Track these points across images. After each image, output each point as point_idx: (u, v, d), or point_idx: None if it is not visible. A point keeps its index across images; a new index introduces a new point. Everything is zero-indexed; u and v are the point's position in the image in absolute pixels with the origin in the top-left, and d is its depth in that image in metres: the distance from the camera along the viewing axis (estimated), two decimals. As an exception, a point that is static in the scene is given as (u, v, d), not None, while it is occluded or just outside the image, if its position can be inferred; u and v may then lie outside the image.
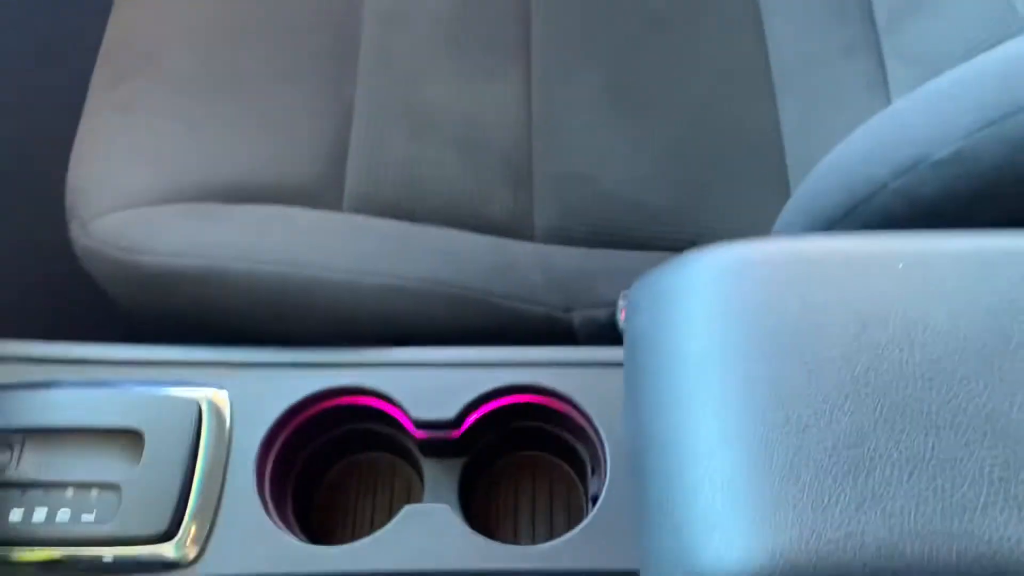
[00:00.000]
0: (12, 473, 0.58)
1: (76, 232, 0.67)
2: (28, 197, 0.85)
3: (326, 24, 0.80)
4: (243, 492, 0.58)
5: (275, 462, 0.61)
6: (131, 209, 0.67)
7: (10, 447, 0.59)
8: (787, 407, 0.41)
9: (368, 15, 0.81)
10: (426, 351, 0.64)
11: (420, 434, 0.62)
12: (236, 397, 0.62)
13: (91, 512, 0.57)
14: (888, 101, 0.75)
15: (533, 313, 0.69)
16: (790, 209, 0.59)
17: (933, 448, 0.39)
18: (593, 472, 0.63)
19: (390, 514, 0.61)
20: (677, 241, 0.77)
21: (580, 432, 0.63)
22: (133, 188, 0.68)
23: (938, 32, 0.72)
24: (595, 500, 0.61)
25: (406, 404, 0.61)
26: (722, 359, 0.43)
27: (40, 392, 0.61)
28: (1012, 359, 0.41)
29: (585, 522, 0.57)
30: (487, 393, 0.62)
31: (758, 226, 0.63)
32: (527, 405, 0.64)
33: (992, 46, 0.52)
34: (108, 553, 0.56)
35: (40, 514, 0.57)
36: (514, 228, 0.75)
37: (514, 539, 0.63)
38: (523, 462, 0.67)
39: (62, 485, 0.58)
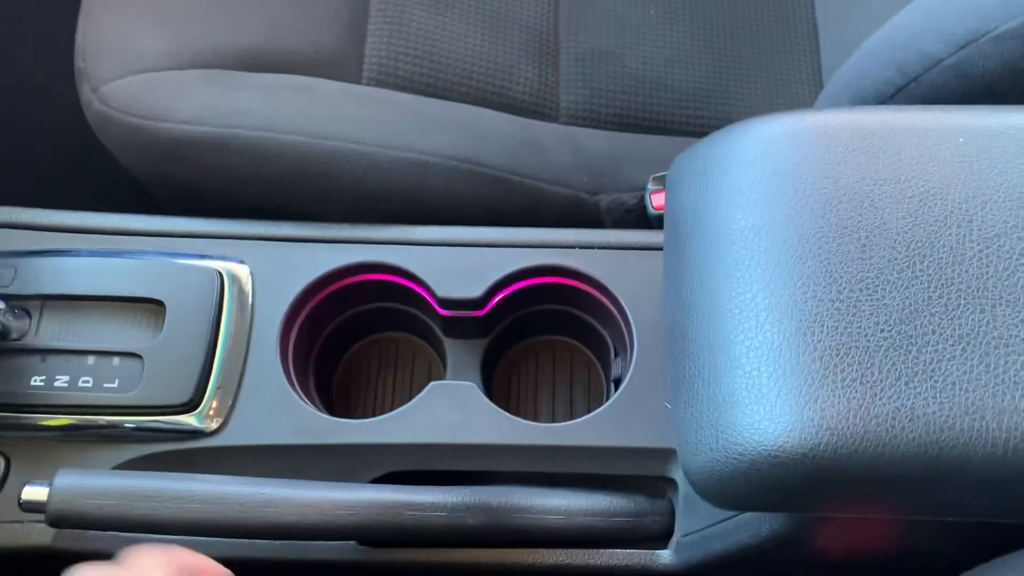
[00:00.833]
0: (31, 339, 0.57)
1: (87, 97, 0.65)
2: (43, 55, 0.80)
3: None
4: (266, 365, 0.58)
5: (297, 337, 0.60)
6: (146, 74, 0.64)
7: (28, 313, 0.58)
8: (839, 281, 0.40)
9: None
10: (452, 230, 0.63)
11: (444, 313, 0.61)
12: (257, 271, 0.61)
13: (113, 381, 0.57)
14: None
15: (560, 195, 0.68)
16: (835, 85, 0.56)
17: (987, 324, 0.39)
18: (616, 355, 0.63)
19: (411, 394, 0.61)
20: (704, 126, 0.76)
21: (606, 315, 0.62)
22: (148, 51, 0.65)
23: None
24: (618, 383, 0.60)
25: (431, 282, 0.60)
26: (772, 231, 0.41)
27: (58, 259, 0.60)
28: (1076, 235, 0.39)
29: (611, 401, 0.57)
30: (514, 273, 0.61)
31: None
32: (553, 287, 0.63)
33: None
34: (131, 421, 0.56)
35: (62, 381, 0.56)
36: (539, 107, 0.73)
37: (535, 420, 0.63)
38: (544, 345, 0.67)
39: (83, 353, 0.57)
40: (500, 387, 0.65)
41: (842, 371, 0.38)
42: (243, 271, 0.60)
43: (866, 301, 0.39)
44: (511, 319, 0.64)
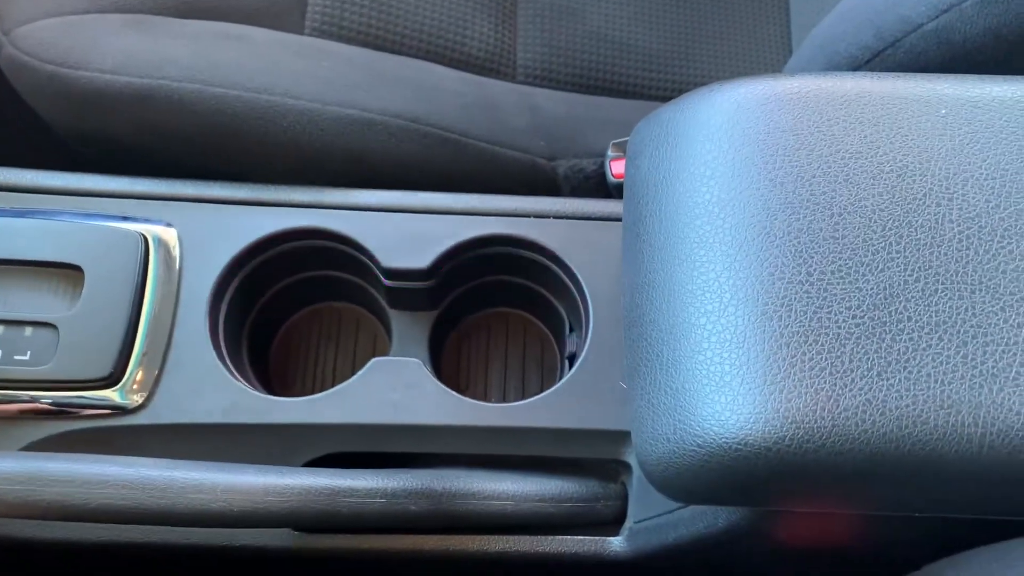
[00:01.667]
0: (-68, 307, 0.53)
1: (-1, 40, 0.59)
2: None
3: None
4: (194, 337, 0.54)
5: (229, 307, 0.56)
6: (63, 16, 0.59)
7: (-72, 278, 0.53)
8: (808, 262, 0.37)
9: None
10: (398, 195, 0.59)
11: (389, 283, 0.57)
12: (186, 235, 0.56)
13: (25, 353, 0.52)
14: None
15: (514, 159, 0.64)
16: (807, 48, 0.53)
17: (965, 311, 0.36)
18: (571, 330, 0.60)
19: (353, 369, 0.58)
20: (668, 89, 0.73)
21: (561, 288, 0.59)
22: (65, -9, 0.60)
23: None
24: (572, 359, 0.57)
25: (375, 250, 0.57)
26: (738, 206, 0.38)
27: (-37, 219, 0.55)
28: (1064, 217, 0.37)
29: (564, 380, 0.54)
30: (464, 243, 0.57)
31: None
32: (506, 257, 0.59)
33: None
34: (45, 397, 0.52)
35: (-34, 352, 0.52)
36: (494, 65, 0.69)
37: (484, 398, 0.60)
38: (496, 318, 0.64)
39: (-9, 322, 0.53)
40: (449, 362, 0.62)
41: (810, 359, 0.36)
42: (170, 235, 0.56)
43: (838, 284, 0.37)
44: (461, 291, 0.61)
